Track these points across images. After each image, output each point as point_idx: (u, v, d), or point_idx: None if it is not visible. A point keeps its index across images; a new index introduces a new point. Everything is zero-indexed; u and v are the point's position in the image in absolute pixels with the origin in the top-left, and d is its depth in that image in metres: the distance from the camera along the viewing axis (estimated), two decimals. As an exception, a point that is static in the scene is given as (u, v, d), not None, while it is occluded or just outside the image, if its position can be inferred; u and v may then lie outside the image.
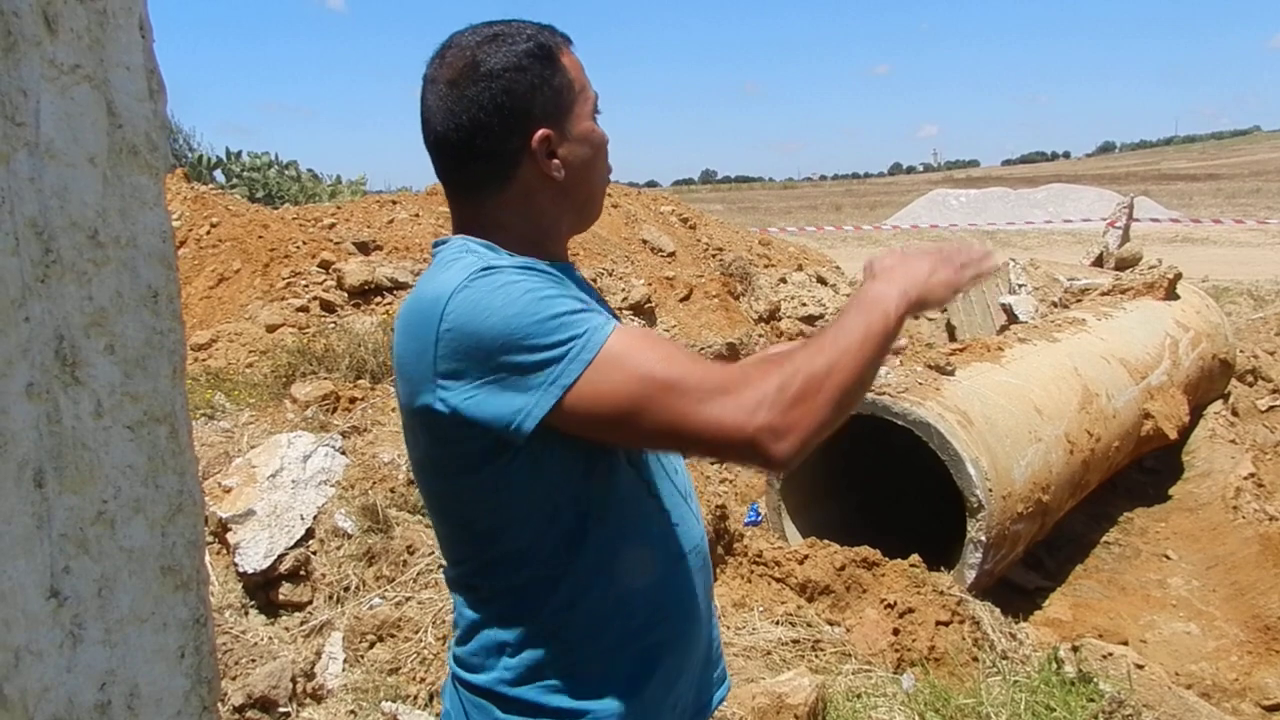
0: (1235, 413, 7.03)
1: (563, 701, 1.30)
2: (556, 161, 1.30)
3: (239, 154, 19.61)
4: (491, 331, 1.15)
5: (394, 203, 9.67)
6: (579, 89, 1.32)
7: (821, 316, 8.18)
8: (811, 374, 1.15)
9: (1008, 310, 9.06)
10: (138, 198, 0.77)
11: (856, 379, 1.19)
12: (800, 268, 9.43)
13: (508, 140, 1.28)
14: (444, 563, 1.43)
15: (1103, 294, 7.49)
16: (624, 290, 7.39)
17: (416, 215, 9.20)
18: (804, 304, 8.21)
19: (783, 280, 8.57)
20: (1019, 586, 4.61)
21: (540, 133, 1.28)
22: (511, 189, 1.31)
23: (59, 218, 0.71)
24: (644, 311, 7.29)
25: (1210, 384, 6.80)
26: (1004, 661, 3.50)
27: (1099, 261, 11.19)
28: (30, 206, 0.68)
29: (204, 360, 6.13)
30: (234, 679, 2.99)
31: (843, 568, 3.90)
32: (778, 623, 3.49)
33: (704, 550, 1.46)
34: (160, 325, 0.82)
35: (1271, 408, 7.42)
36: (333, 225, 8.75)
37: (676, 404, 1.14)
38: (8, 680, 0.67)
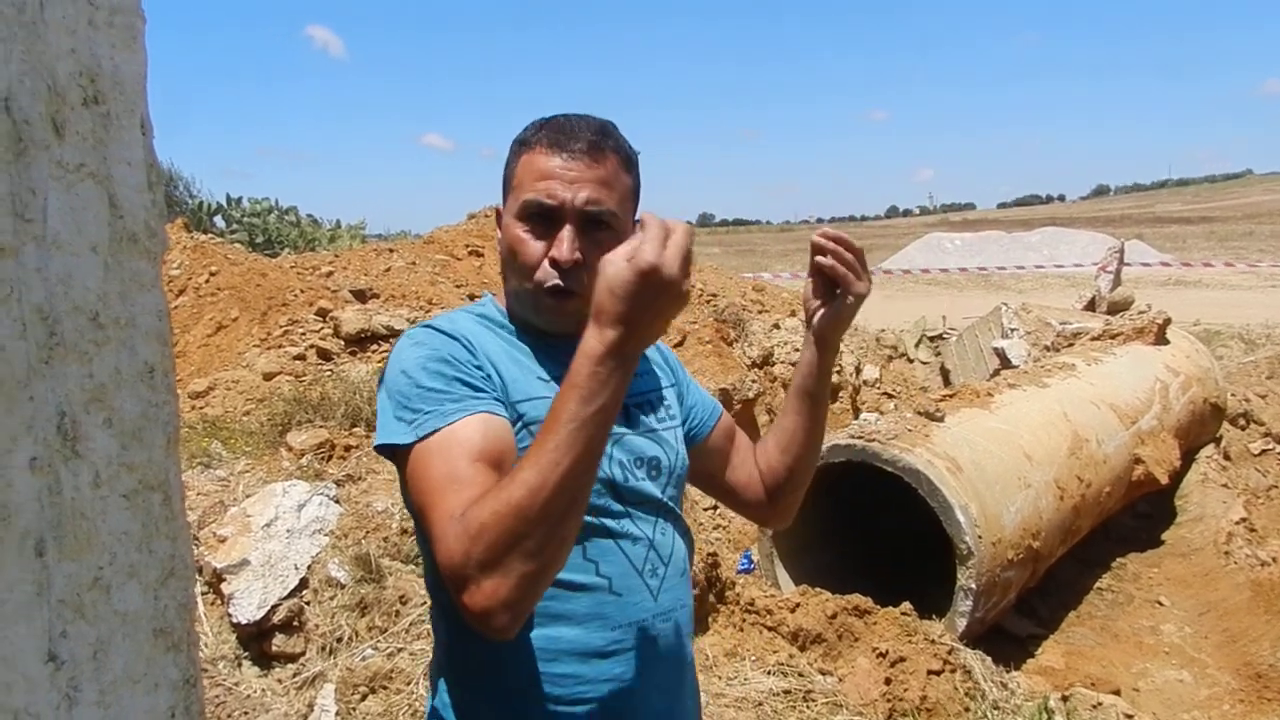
0: (1227, 456, 7.06)
1: None
2: (499, 235, 1.49)
3: (239, 200, 19.79)
4: (390, 376, 1.35)
5: (391, 250, 9.76)
6: (515, 185, 1.44)
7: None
8: (506, 514, 1.08)
9: (1000, 354, 9.12)
10: (136, 281, 0.82)
11: (566, 502, 1.09)
12: (794, 313, 9.52)
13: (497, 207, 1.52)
14: None
15: (1093, 339, 7.55)
16: (619, 337, 7.44)
17: (413, 263, 9.28)
18: (797, 349, 8.28)
19: (776, 326, 8.64)
20: (1012, 634, 4.62)
21: (496, 207, 1.50)
22: None
23: (63, 303, 0.75)
24: (638, 358, 7.34)
25: (1201, 428, 6.84)
26: (996, 712, 3.51)
27: (1091, 305, 11.27)
28: (37, 294, 0.73)
29: (201, 408, 6.16)
30: (226, 731, 3.00)
31: (835, 616, 3.91)
32: (769, 673, 3.50)
33: (656, 630, 1.43)
34: (155, 399, 0.87)
35: (1264, 451, 7.45)
36: (330, 273, 8.83)
37: (430, 522, 1.19)
38: (6, 741, 0.70)
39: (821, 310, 1.57)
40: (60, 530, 0.76)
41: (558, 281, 1.38)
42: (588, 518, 1.28)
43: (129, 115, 0.78)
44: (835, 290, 1.55)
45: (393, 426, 1.29)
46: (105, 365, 0.80)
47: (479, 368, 1.34)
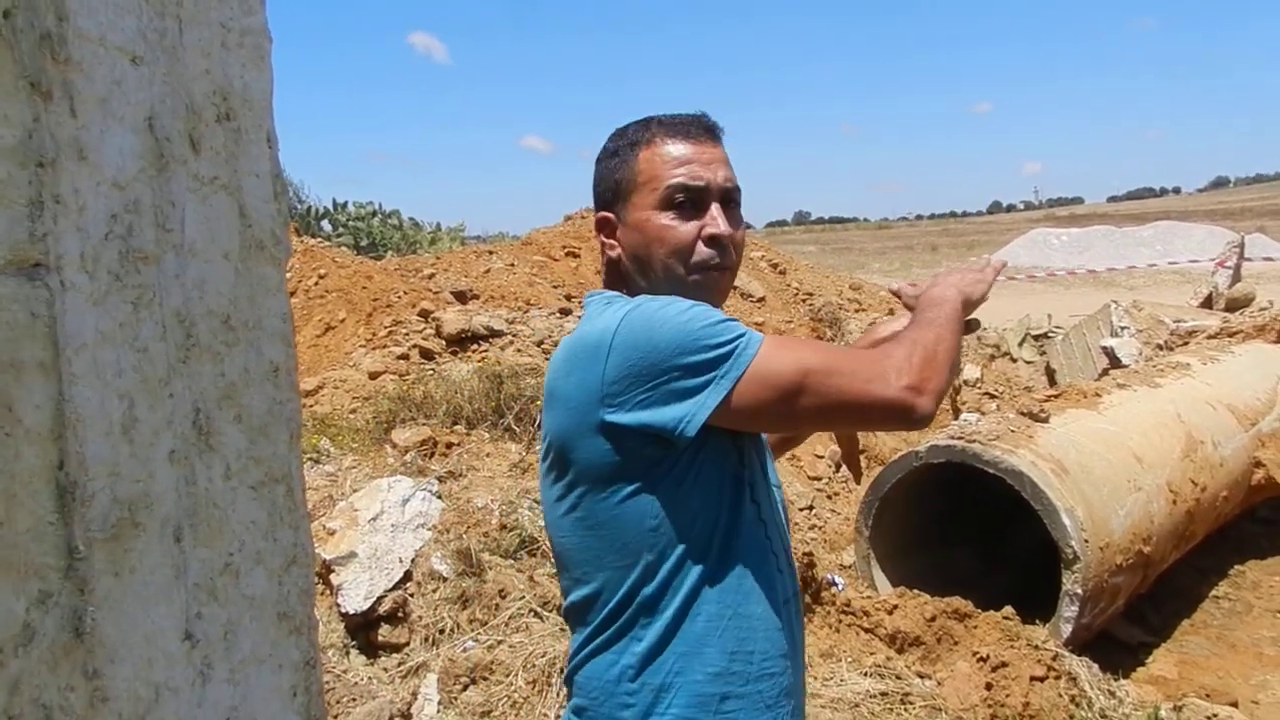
0: (1357, 461, 6.68)
1: None
2: (611, 241, 1.50)
3: (345, 204, 20.42)
4: (666, 340, 1.30)
5: (490, 252, 9.96)
6: (643, 181, 1.45)
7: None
8: (926, 344, 1.36)
9: (1110, 354, 8.82)
10: (263, 285, 0.88)
11: (955, 347, 1.41)
12: (891, 311, 9.37)
13: (598, 215, 1.54)
14: (566, 597, 1.49)
15: (1210, 337, 7.25)
16: (714, 336, 7.46)
17: (511, 265, 9.45)
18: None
19: (873, 325, 8.53)
20: (1121, 642, 4.47)
21: (600, 215, 1.52)
22: (604, 257, 1.54)
23: (198, 307, 0.81)
24: (734, 357, 7.35)
25: (1328, 431, 6.49)
26: None
27: (1208, 302, 10.79)
28: (175, 299, 0.78)
29: (311, 406, 6.39)
30: (335, 718, 3.12)
31: (933, 619, 3.85)
32: (866, 674, 3.47)
33: (796, 603, 1.54)
34: (280, 396, 0.92)
35: (1398, 456, 7.04)
36: (432, 275, 9.05)
37: (832, 382, 1.31)
38: (149, 713, 0.76)
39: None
40: (195, 518, 0.81)
41: (719, 258, 1.44)
42: (755, 499, 1.45)
43: (257, 130, 0.84)
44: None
45: (719, 369, 1.30)
46: (235, 365, 0.85)
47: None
